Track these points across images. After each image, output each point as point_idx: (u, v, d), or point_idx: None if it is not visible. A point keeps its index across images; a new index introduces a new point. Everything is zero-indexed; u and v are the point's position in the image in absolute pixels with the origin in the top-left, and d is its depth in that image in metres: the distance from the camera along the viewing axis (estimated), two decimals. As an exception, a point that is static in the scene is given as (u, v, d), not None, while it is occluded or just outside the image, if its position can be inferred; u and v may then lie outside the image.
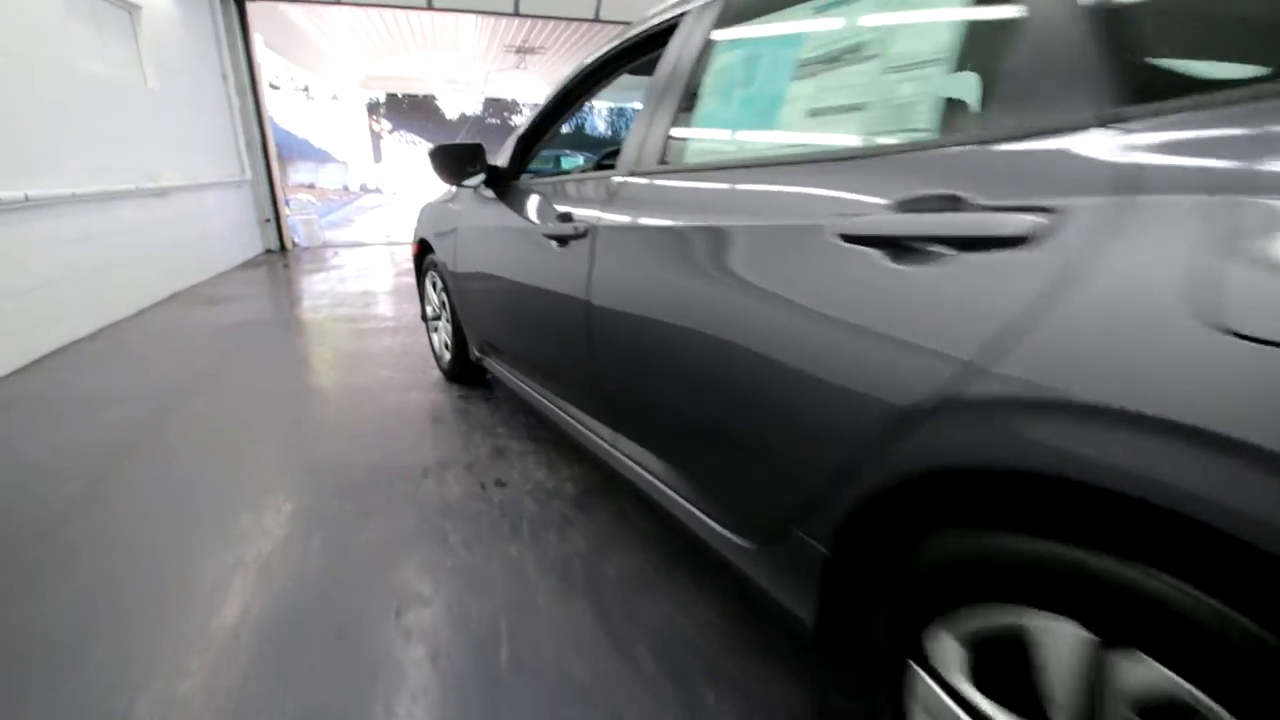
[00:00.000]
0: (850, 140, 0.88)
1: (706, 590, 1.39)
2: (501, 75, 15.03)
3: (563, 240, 1.44)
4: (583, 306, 1.36)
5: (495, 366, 2.14)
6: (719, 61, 1.16)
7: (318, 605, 1.34)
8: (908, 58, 0.80)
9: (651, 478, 1.32)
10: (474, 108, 24.96)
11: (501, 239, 1.86)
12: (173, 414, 2.37)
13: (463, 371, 2.58)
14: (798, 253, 0.83)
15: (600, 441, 1.50)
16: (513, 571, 1.45)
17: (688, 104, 1.21)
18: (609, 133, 24.07)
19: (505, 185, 1.94)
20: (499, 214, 1.89)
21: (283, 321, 3.85)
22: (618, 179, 1.33)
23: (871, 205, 0.76)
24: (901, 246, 0.71)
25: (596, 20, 7.35)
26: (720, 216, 1.00)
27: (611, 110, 24.30)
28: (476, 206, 2.10)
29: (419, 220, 2.74)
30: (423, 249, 2.70)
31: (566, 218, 1.45)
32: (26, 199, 3.00)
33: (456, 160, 1.88)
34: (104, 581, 1.43)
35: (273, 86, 15.28)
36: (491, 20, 9.81)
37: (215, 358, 3.09)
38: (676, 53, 1.26)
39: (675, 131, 1.22)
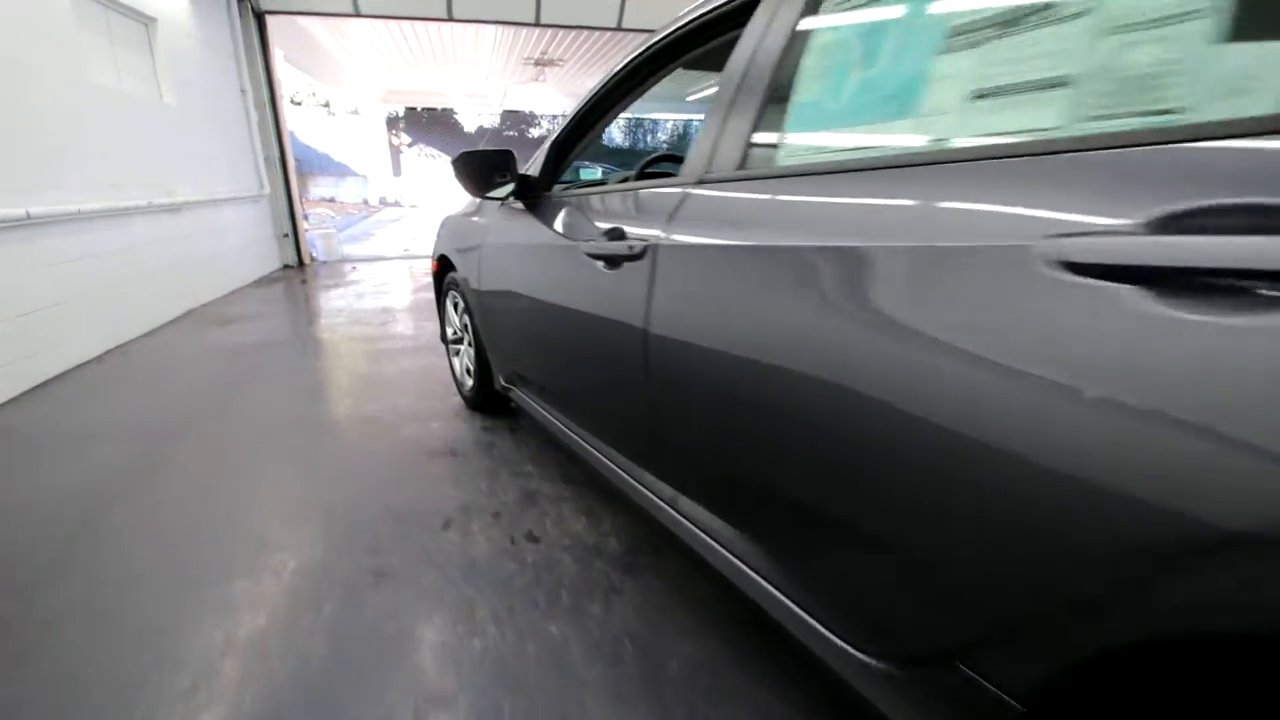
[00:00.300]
0: (1042, 130, 0.63)
1: (800, 694, 1.13)
2: (520, 88, 14.99)
3: (612, 260, 1.21)
4: (638, 338, 1.12)
5: (524, 399, 1.91)
6: (822, 39, 0.92)
7: (320, 707, 1.11)
8: (1146, 12, 0.55)
9: (725, 551, 1.07)
10: (492, 121, 25.05)
11: (533, 257, 1.63)
12: (174, 449, 2.17)
13: (486, 400, 2.35)
14: (985, 285, 0.59)
15: (655, 500, 1.26)
16: (553, 659, 1.21)
17: (778, 95, 0.97)
18: (626, 143, 24.00)
19: (537, 197, 1.72)
20: (530, 229, 1.67)
21: (297, 342, 3.67)
22: (682, 189, 1.10)
23: (1105, 224, 0.52)
24: (1179, 282, 0.47)
25: (619, 29, 7.17)
26: (843, 234, 0.75)
27: (629, 121, 24.23)
28: (504, 220, 1.88)
29: (439, 235, 2.53)
30: (442, 266, 2.49)
31: (617, 234, 1.22)
32: (28, 216, 2.84)
33: (482, 169, 1.67)
34: (71, 674, 1.20)
35: (294, 102, 15.39)
36: (511, 33, 9.72)
37: (224, 383, 2.90)
38: (759, 33, 1.02)
39: (763, 130, 0.99)
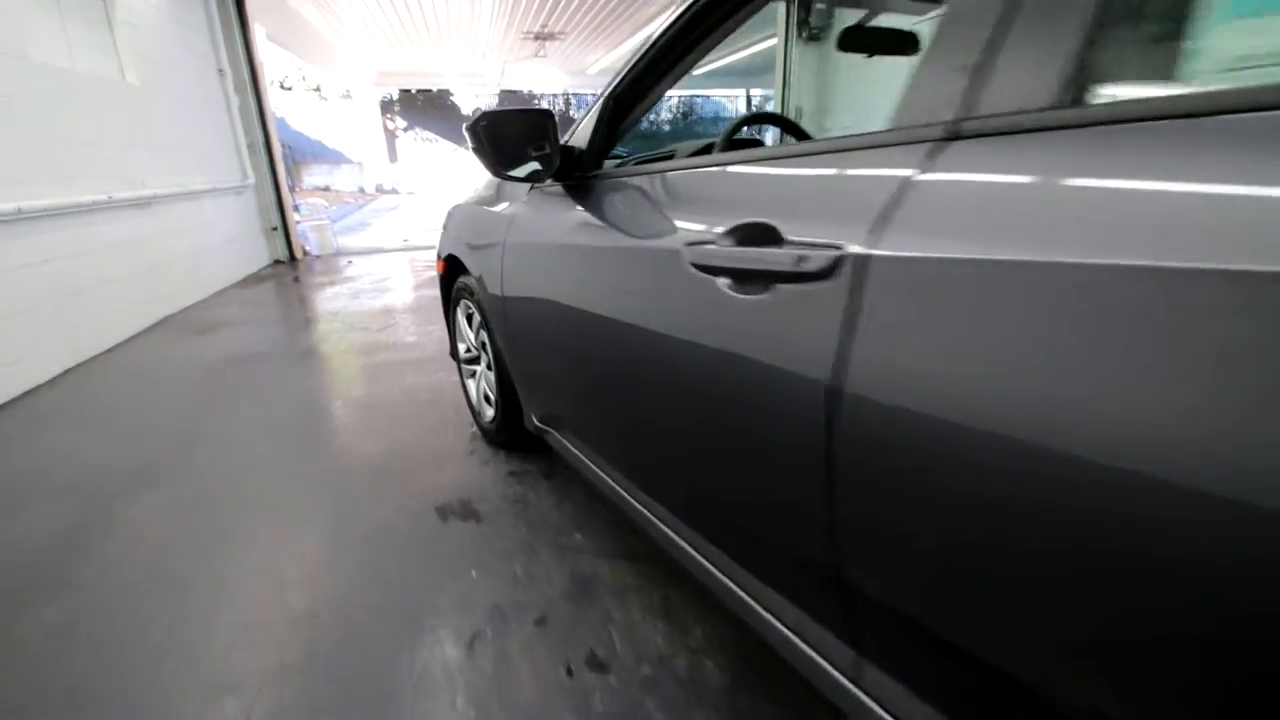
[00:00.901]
0: None
1: None
2: (518, 65, 14.32)
3: (752, 278, 0.72)
4: (812, 400, 0.64)
5: (569, 451, 1.43)
6: None
7: None
8: None
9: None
10: (490, 102, 24.27)
11: (589, 264, 1.14)
12: (121, 513, 1.70)
13: (513, 437, 1.88)
14: None
15: (817, 660, 0.78)
16: None
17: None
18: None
19: (585, 177, 1.23)
20: (580, 222, 1.18)
21: (284, 354, 3.19)
22: (906, 159, 0.60)
23: None
24: None
25: (628, -8, 6.57)
26: None
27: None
28: (538, 209, 1.39)
29: (445, 229, 2.04)
30: (451, 268, 2.00)
31: (758, 234, 0.72)
32: (-54, 219, 2.35)
33: (509, 137, 1.17)
34: None
35: (283, 87, 14.76)
36: (509, 5, 9.10)
37: (196, 412, 2.43)
38: None
39: (1126, 16, 0.49)
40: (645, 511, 1.13)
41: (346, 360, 3.04)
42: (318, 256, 6.61)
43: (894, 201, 0.58)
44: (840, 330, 0.61)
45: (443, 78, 16.98)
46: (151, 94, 4.21)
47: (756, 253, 0.71)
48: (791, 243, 0.67)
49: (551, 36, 11.36)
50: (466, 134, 1.15)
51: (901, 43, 1.40)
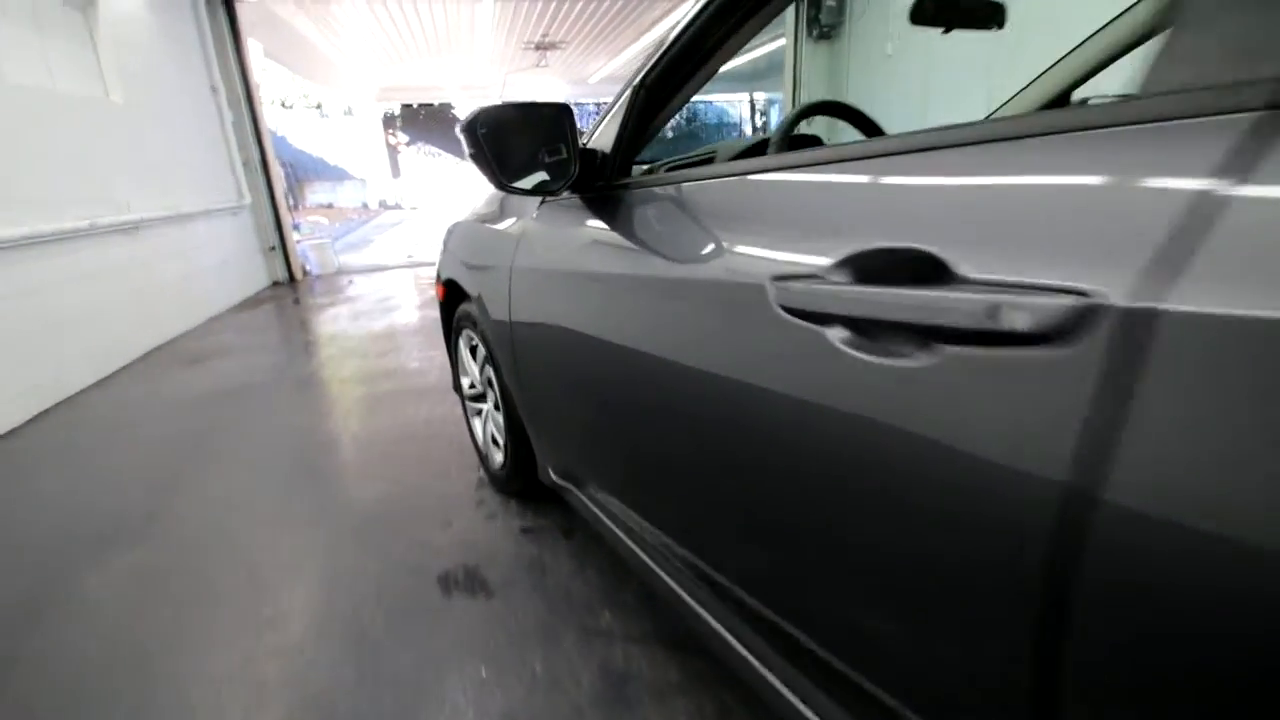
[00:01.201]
0: None
1: None
2: (520, 76, 14.19)
3: (897, 334, 0.48)
4: (1032, 506, 0.40)
5: (598, 518, 1.17)
6: None
7: None
8: None
9: None
10: (491, 115, 24.08)
11: (621, 297, 0.89)
12: (77, 585, 1.47)
13: (526, 486, 1.63)
14: None
15: None
16: None
17: None
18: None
19: (614, 187, 0.99)
20: (608, 244, 0.94)
21: (276, 386, 2.96)
22: (1189, 167, 0.35)
23: None
24: None
25: (631, -5, 6.38)
26: None
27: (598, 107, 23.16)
28: (554, 226, 1.15)
29: (444, 249, 1.81)
30: (451, 293, 1.77)
31: (908, 268, 0.48)
32: (-102, 253, 2.15)
33: (515, 139, 0.93)
34: None
35: (284, 105, 14.68)
36: (509, 12, 8.94)
37: (176, 456, 2.20)
38: None
39: None
40: (702, 612, 0.88)
41: (344, 391, 2.81)
42: (318, 276, 6.42)
43: (1189, 222, 0.34)
44: (1088, 419, 0.36)
45: (444, 91, 16.90)
46: (138, 113, 4.02)
47: (902, 296, 0.46)
48: (972, 282, 0.43)
49: (553, 46, 11.21)
50: (461, 136, 0.91)
51: (985, 15, 1.16)
